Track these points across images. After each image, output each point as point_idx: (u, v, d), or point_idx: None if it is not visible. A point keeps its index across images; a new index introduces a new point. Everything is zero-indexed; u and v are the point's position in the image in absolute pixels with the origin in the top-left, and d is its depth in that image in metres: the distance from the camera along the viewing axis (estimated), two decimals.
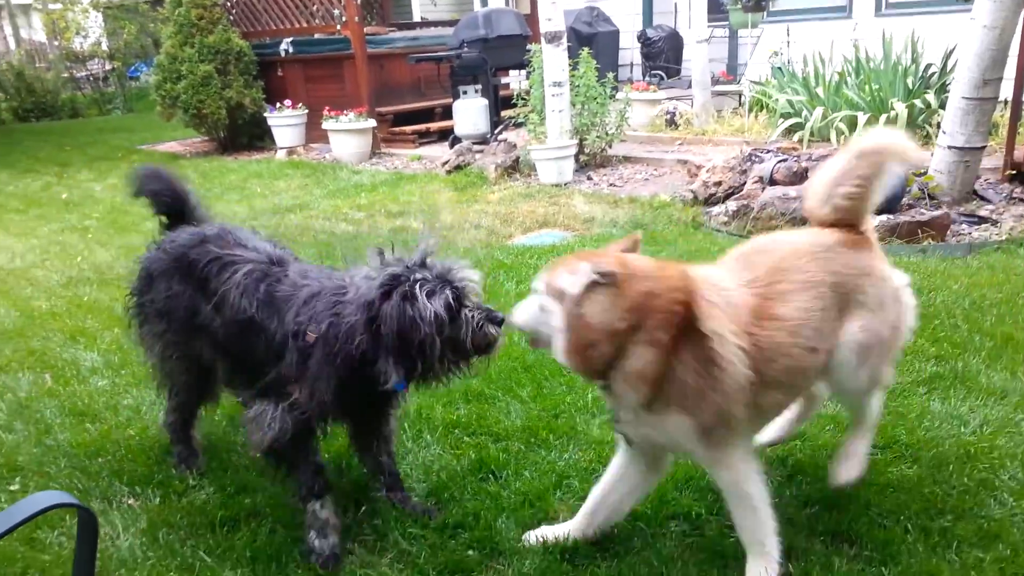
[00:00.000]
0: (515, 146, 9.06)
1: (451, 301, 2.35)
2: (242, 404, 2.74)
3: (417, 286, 2.34)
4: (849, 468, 2.59)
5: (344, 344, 2.37)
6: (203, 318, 2.70)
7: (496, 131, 10.03)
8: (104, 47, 20.59)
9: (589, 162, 8.84)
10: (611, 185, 8.04)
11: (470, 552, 2.50)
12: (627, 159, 9.01)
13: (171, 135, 13.35)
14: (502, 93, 10.76)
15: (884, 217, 5.54)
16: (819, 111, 8.57)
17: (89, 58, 20.65)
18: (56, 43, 21.19)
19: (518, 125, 9.38)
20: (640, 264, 2.19)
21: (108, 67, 20.91)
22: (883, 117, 8.05)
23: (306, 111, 11.27)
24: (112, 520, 2.69)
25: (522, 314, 2.27)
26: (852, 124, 8.28)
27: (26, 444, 3.25)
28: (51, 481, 2.96)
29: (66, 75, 20.27)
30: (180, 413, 3.04)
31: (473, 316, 2.39)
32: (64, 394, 3.71)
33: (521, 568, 2.42)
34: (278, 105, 11.21)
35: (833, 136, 8.33)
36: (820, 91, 9.04)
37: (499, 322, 2.42)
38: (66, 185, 9.69)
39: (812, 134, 8.52)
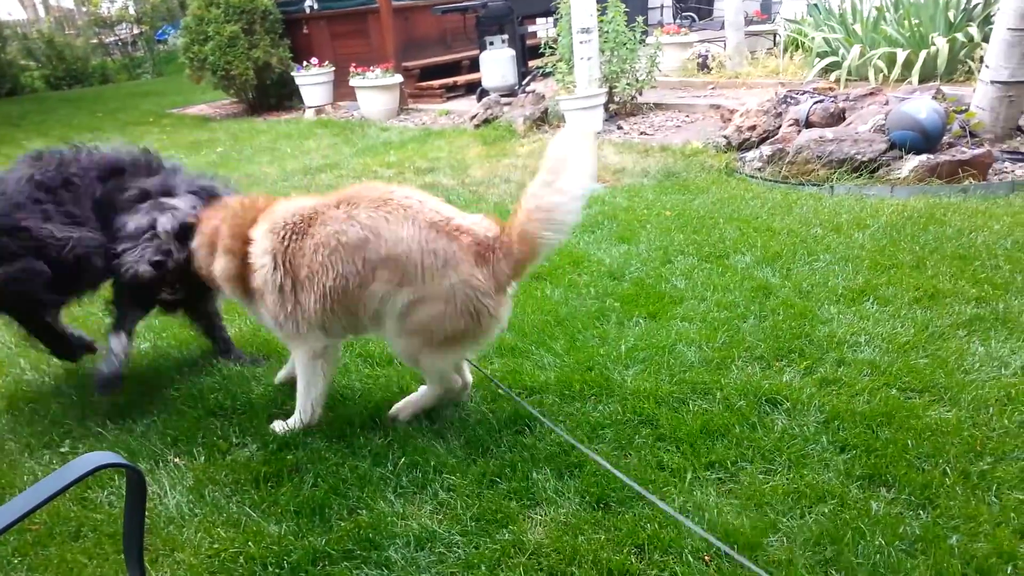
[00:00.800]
0: (543, 97, 8.95)
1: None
2: None
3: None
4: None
5: None
6: None
7: (524, 82, 9.91)
8: (131, 11, 20.65)
9: (619, 110, 8.70)
10: (642, 134, 7.92)
11: (508, 502, 2.54)
12: (658, 106, 8.85)
13: (201, 98, 13.43)
14: (529, 42, 10.61)
15: (924, 157, 5.40)
16: (856, 49, 8.32)
17: (117, 23, 20.75)
18: (84, 9, 21.29)
19: (546, 75, 9.26)
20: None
21: (136, 31, 21.00)
22: (923, 53, 7.79)
23: (333, 68, 11.23)
24: (159, 479, 2.77)
25: None
26: (891, 61, 8.04)
27: (74, 408, 3.35)
28: (100, 442, 3.05)
29: (95, 41, 20.41)
30: None
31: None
32: None
33: (557, 516, 2.45)
34: (305, 64, 11.18)
35: (871, 74, 8.09)
36: (857, 28, 8.77)
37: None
38: None
39: (850, 73, 8.29)
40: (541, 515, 2.49)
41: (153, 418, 3.20)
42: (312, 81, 11.19)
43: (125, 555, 1.79)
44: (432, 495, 2.61)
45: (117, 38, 21.10)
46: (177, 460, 2.91)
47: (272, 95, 11.92)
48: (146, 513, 2.52)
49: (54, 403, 3.39)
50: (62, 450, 3.03)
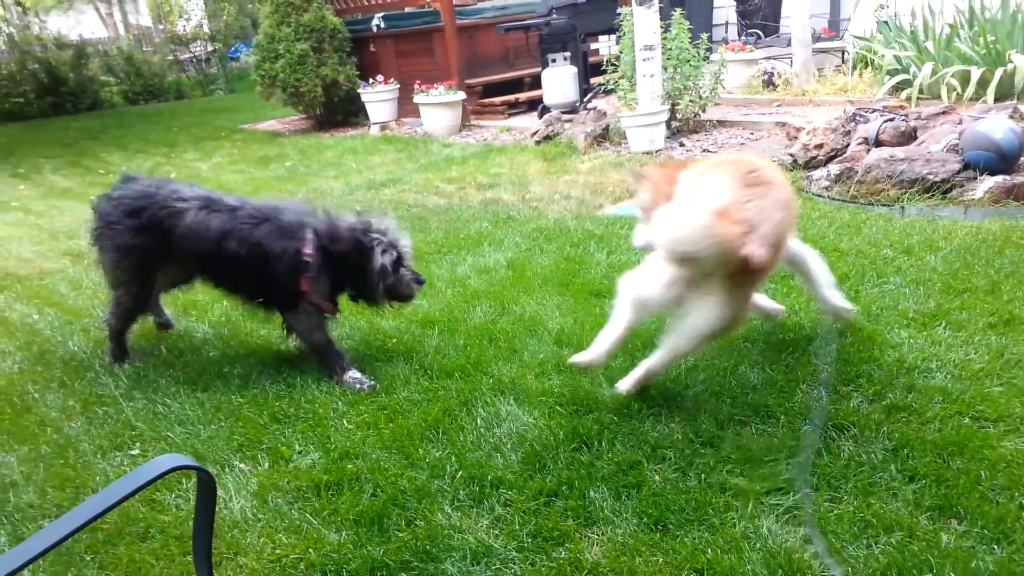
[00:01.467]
0: (604, 114, 8.95)
1: (395, 260, 3.57)
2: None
3: (375, 243, 3.55)
4: None
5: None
6: None
7: (585, 99, 9.92)
8: (206, 29, 21.38)
9: (681, 128, 8.64)
10: (704, 151, 7.84)
11: (564, 520, 2.53)
12: (721, 123, 8.77)
13: (271, 114, 13.80)
14: (591, 59, 10.62)
15: (1000, 178, 5.22)
16: (928, 66, 8.10)
17: (192, 40, 21.49)
18: (161, 27, 22.13)
19: (608, 92, 9.24)
20: None
21: (210, 49, 21.71)
22: (999, 71, 7.55)
23: (398, 86, 11.43)
24: (225, 483, 2.84)
25: None
26: (965, 80, 7.81)
27: (145, 412, 3.46)
28: (168, 446, 3.14)
29: (171, 58, 21.15)
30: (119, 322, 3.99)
31: (406, 274, 3.64)
32: (178, 364, 3.92)
33: (614, 536, 2.43)
34: (371, 81, 11.40)
35: (944, 93, 7.87)
36: (929, 45, 8.54)
37: (421, 282, 3.71)
38: (174, 165, 10.16)
39: (921, 91, 8.08)
40: (598, 534, 2.47)
41: (220, 423, 3.29)
42: (377, 98, 11.41)
43: (194, 556, 1.83)
44: (489, 509, 2.62)
45: (192, 55, 21.86)
46: (242, 465, 2.98)
47: (339, 111, 12.18)
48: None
49: (126, 407, 3.51)
50: (132, 452, 3.13)
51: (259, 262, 3.51)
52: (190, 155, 10.80)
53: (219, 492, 2.79)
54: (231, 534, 2.59)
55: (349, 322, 4.19)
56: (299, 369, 3.73)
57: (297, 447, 3.07)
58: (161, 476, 1.66)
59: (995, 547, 2.24)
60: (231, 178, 8.88)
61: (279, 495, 2.78)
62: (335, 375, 3.61)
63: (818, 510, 2.46)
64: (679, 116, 8.57)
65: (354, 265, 3.58)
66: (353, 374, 3.59)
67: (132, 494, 1.62)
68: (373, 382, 3.54)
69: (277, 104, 12.46)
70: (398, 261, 3.59)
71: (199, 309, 4.65)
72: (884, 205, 5.43)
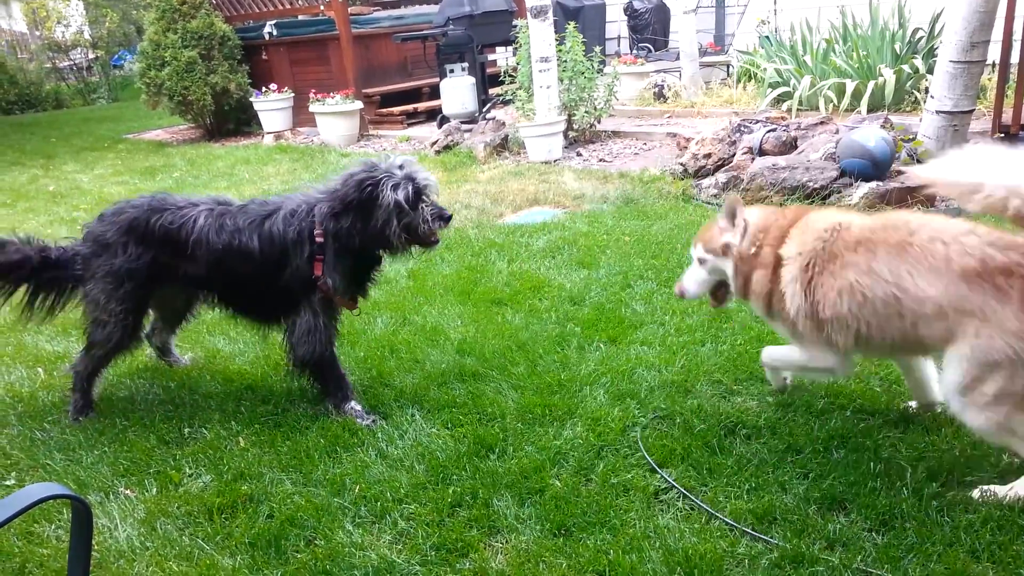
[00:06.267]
0: (503, 124, 9.01)
1: (411, 195, 3.04)
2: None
3: (384, 181, 3.03)
4: None
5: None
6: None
7: (484, 109, 9.97)
8: (87, 36, 20.36)
9: (578, 138, 8.79)
10: (601, 160, 8.01)
11: (469, 530, 2.52)
12: (616, 134, 8.97)
13: (157, 123, 13.27)
14: (489, 71, 10.69)
15: (873, 184, 5.54)
16: (807, 79, 8.53)
17: (72, 47, 20.40)
18: (37, 33, 20.93)
19: (506, 103, 9.33)
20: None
21: (91, 56, 20.69)
22: (871, 84, 8.02)
23: (292, 95, 11.19)
24: (109, 511, 2.69)
25: (693, 285, 3.03)
26: (840, 92, 8.26)
27: (21, 439, 3.25)
28: (48, 475, 2.96)
29: (49, 65, 20.04)
30: (96, 364, 3.43)
31: (426, 209, 3.10)
32: (58, 387, 3.70)
33: (518, 544, 2.43)
34: (264, 89, 11.12)
35: (821, 104, 8.30)
36: (808, 59, 9.00)
37: (446, 219, 3.15)
38: (53, 177, 9.62)
39: (800, 103, 8.50)
40: (502, 543, 2.47)
41: (104, 448, 3.12)
42: (271, 107, 11.13)
43: None
44: (391, 524, 2.58)
45: (72, 63, 20.75)
46: (128, 492, 2.83)
47: (230, 120, 11.82)
48: (95, 547, 2.45)
49: (1, 435, 3.28)
50: (7, 483, 2.93)
51: (275, 255, 3.14)
52: (70, 167, 10.24)
53: (104, 521, 2.64)
54: (117, 564, 2.45)
55: (243, 337, 4.06)
56: (189, 388, 3.58)
57: (188, 470, 2.94)
58: (31, 506, 1.57)
59: (876, 535, 2.35)
60: (114, 190, 8.47)
61: (168, 521, 2.65)
62: (332, 401, 3.27)
63: (714, 506, 2.53)
64: (575, 127, 8.72)
65: (367, 216, 3.07)
66: (355, 405, 3.27)
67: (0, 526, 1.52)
68: (375, 417, 3.24)
69: (164, 113, 11.99)
70: (416, 195, 3.07)
71: (79, 329, 4.39)
72: None
